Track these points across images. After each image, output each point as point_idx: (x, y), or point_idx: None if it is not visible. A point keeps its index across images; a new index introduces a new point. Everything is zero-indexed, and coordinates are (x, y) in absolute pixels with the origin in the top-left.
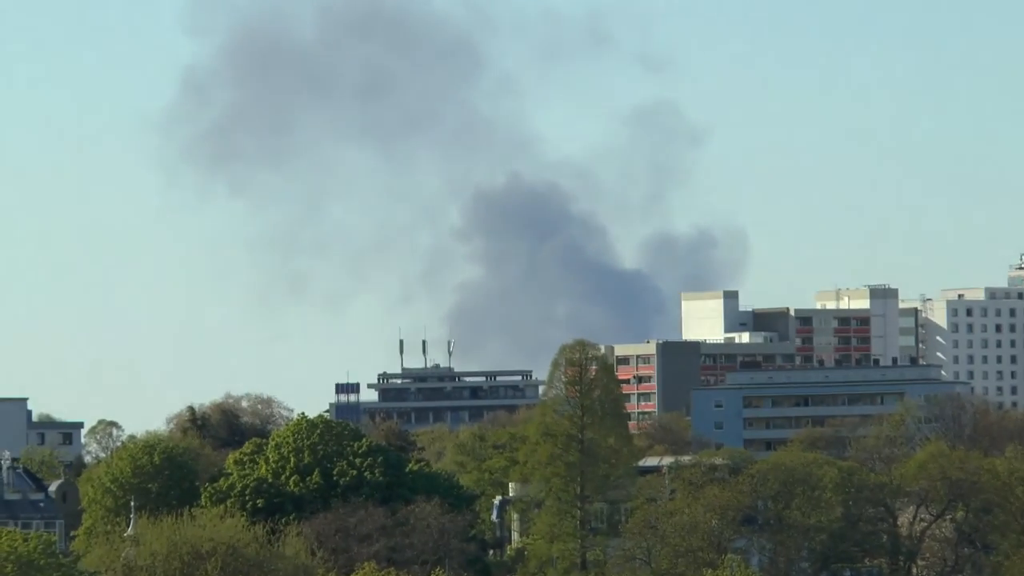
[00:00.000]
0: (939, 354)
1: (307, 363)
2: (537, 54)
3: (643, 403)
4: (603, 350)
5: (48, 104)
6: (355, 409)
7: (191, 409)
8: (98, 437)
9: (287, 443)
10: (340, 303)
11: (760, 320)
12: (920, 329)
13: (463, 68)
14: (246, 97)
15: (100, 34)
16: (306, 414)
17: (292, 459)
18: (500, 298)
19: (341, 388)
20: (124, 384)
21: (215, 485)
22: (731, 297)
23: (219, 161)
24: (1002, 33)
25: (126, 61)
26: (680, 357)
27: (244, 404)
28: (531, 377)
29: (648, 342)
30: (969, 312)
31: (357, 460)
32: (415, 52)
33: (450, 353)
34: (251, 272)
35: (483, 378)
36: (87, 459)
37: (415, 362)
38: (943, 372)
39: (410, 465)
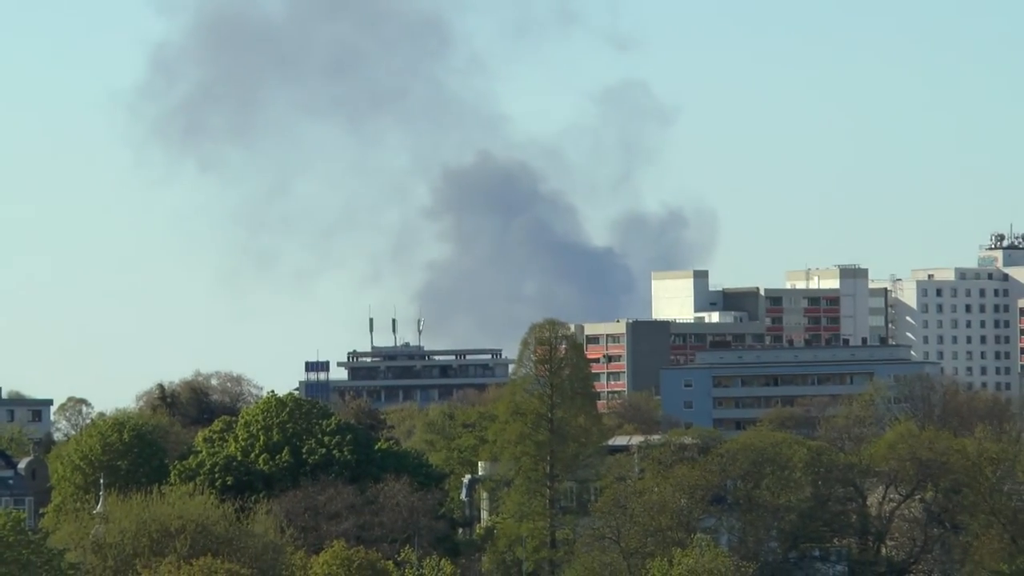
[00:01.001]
0: (909, 334)
1: (276, 341)
2: (506, 32)
3: (613, 382)
4: (573, 329)
5: (16, 81)
6: (324, 387)
7: (160, 387)
8: (67, 414)
9: (256, 421)
10: (308, 280)
11: (730, 299)
12: (890, 309)
13: (431, 45)
14: (215, 74)
15: (69, 11)
16: (275, 392)
17: (261, 437)
18: (469, 276)
19: (311, 366)
20: (93, 361)
21: (184, 463)
22: (701, 276)
23: (188, 138)
24: (971, 11)
25: (95, 39)
26: (650, 336)
27: (214, 382)
28: (501, 356)
29: (618, 321)
30: (939, 292)
31: (326, 438)
32: (383, 29)
33: (420, 331)
34: (220, 249)
35: (453, 357)
36: (56, 436)
37: (385, 340)
38: (913, 352)
39: (379, 444)
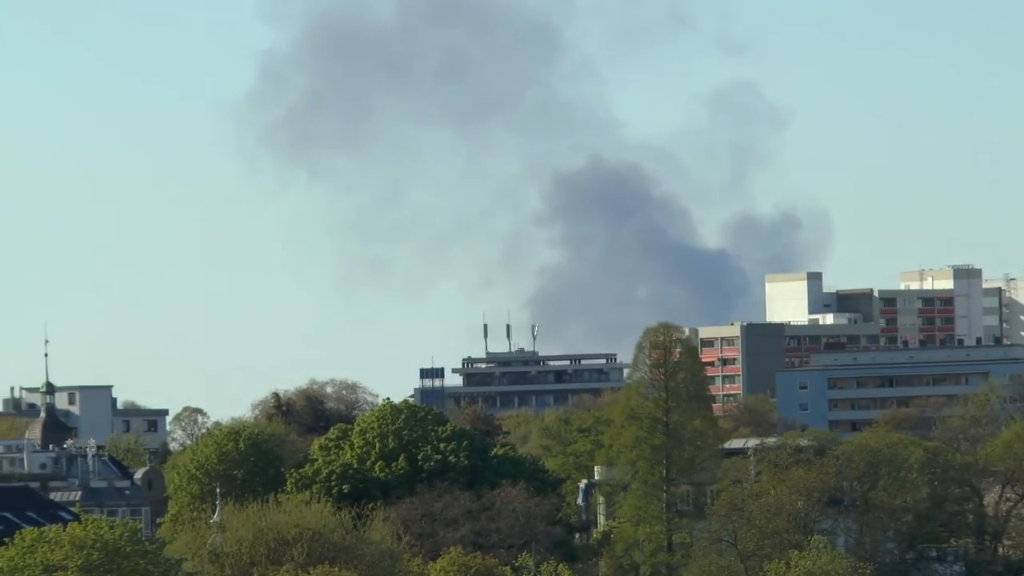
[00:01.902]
0: (1023, 333)
1: (391, 348)
2: (616, 36)
3: (727, 385)
4: (687, 332)
5: (127, 94)
6: (440, 394)
7: (276, 395)
8: (183, 424)
9: (372, 428)
10: (422, 287)
11: (844, 301)
12: (1004, 308)
13: (542, 51)
14: (324, 82)
15: (178, 22)
16: (391, 399)
17: (377, 444)
18: (582, 281)
19: (425, 373)
20: (208, 371)
21: (300, 471)
22: (815, 278)
23: (298, 147)
24: None
25: (204, 49)
26: (764, 339)
27: (329, 390)
28: (615, 360)
29: (732, 324)
30: None
31: (442, 445)
32: (493, 35)
33: (534, 337)
34: (333, 257)
35: (567, 362)
36: (172, 446)
37: (499, 346)
38: None
39: (495, 449)
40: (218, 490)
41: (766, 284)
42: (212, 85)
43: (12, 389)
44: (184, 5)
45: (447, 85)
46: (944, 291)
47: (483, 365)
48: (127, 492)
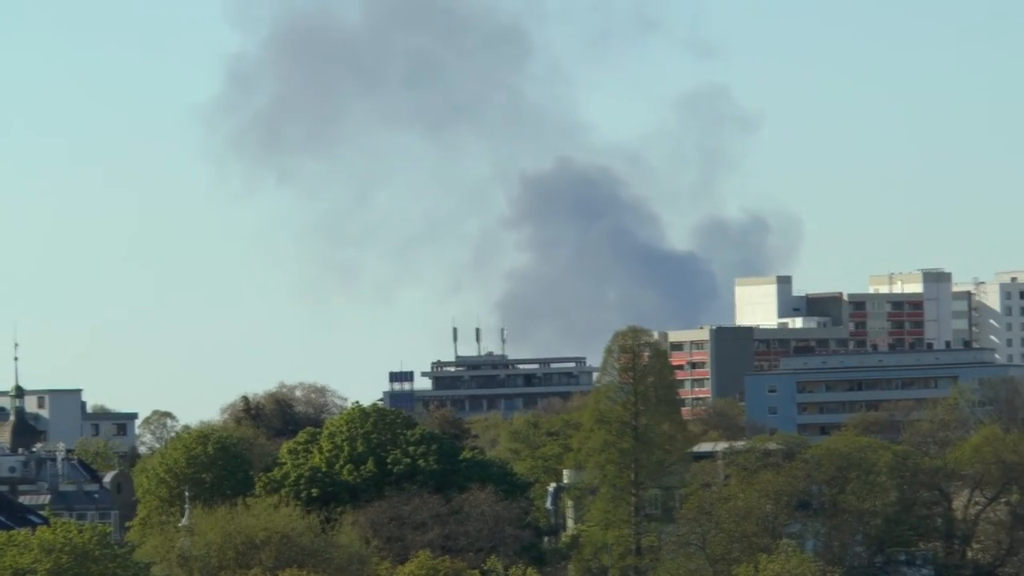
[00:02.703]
0: (992, 337)
1: (360, 352)
2: (586, 40)
3: (697, 389)
4: (656, 336)
5: (93, 98)
6: (409, 397)
7: (245, 399)
8: (152, 428)
9: (341, 432)
10: (390, 291)
11: (813, 305)
12: (973, 312)
13: (511, 54)
14: (292, 86)
15: (145, 26)
16: (360, 403)
17: (346, 448)
18: (551, 284)
19: (395, 376)
20: (178, 375)
21: (269, 475)
22: (784, 282)
23: (266, 151)
24: None
25: (171, 53)
26: (734, 343)
27: (298, 393)
28: (584, 364)
29: (701, 328)
30: (1022, 295)
31: (411, 448)
32: (462, 38)
33: (503, 341)
34: (301, 261)
35: (536, 365)
36: (141, 450)
37: (468, 350)
38: (996, 355)
39: (464, 453)
40: (187, 494)
41: (735, 288)
42: (180, 89)
43: None
44: (150, 8)
45: (416, 88)
46: (913, 295)
47: (452, 368)
48: (96, 496)
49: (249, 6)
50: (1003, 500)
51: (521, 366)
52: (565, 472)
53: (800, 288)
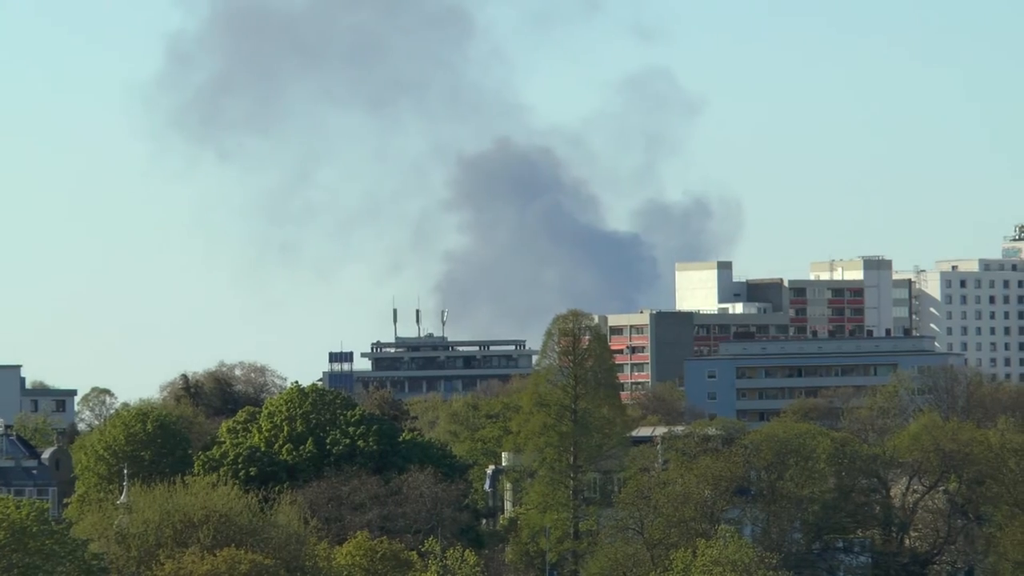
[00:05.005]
0: (932, 325)
1: (300, 332)
2: (528, 21)
3: (636, 373)
4: (596, 320)
5: (33, 76)
6: (348, 378)
7: (184, 377)
8: (91, 405)
9: (280, 412)
10: (330, 271)
11: (754, 291)
12: (914, 300)
13: (453, 34)
14: (233, 63)
15: (85, 3)
16: (299, 383)
17: (285, 428)
18: (490, 266)
19: (334, 357)
20: (117, 352)
21: (208, 453)
22: (725, 267)
23: (207, 128)
24: (993, 7)
25: (110, 30)
26: (673, 327)
27: (237, 372)
28: (524, 347)
29: (642, 312)
30: (963, 283)
31: (350, 429)
32: (404, 17)
33: (443, 322)
34: (242, 239)
35: (476, 347)
36: (80, 426)
37: (408, 331)
38: (936, 343)
39: (403, 434)
40: (125, 471)
41: (676, 272)
42: (120, 66)
43: None
44: None
45: (357, 67)
46: (854, 282)
47: (392, 350)
48: (34, 472)
49: None
50: (941, 488)
51: (461, 348)
52: (504, 455)
53: (740, 273)
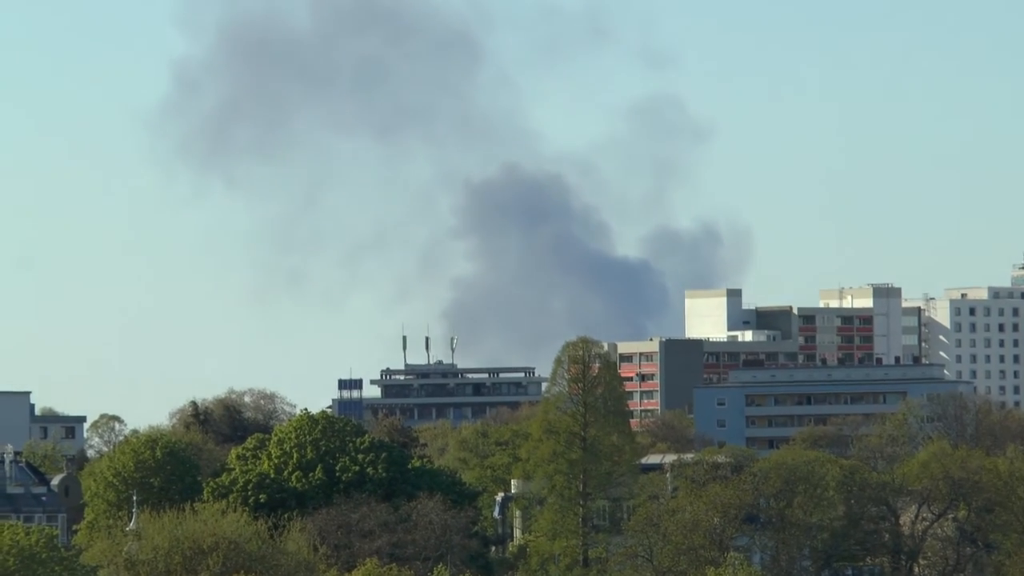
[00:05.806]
0: (942, 353)
1: (309, 359)
2: (536, 48)
3: (646, 401)
4: (606, 347)
5: (40, 103)
6: (358, 405)
7: (194, 404)
8: (100, 431)
9: (289, 438)
10: (339, 298)
11: (763, 318)
12: (923, 328)
13: (461, 61)
14: (240, 91)
15: (91, 30)
16: (309, 410)
17: (295, 454)
18: (499, 293)
19: (344, 384)
20: (127, 379)
21: (217, 480)
22: (734, 295)
23: (214, 155)
24: (1005, 34)
25: (116, 57)
26: (683, 355)
27: (247, 399)
28: (534, 374)
29: (651, 340)
30: (972, 311)
31: (360, 456)
32: (412, 44)
33: (453, 349)
34: (250, 266)
35: (486, 375)
36: (89, 453)
37: (418, 358)
38: (946, 371)
39: (413, 461)
40: (135, 498)
41: (685, 299)
42: (127, 93)
43: None
44: (96, 11)
45: (364, 93)
46: (863, 310)
47: (401, 377)
48: (44, 498)
49: (196, 10)
50: (950, 516)
51: (470, 375)
52: (513, 482)
53: (750, 301)
